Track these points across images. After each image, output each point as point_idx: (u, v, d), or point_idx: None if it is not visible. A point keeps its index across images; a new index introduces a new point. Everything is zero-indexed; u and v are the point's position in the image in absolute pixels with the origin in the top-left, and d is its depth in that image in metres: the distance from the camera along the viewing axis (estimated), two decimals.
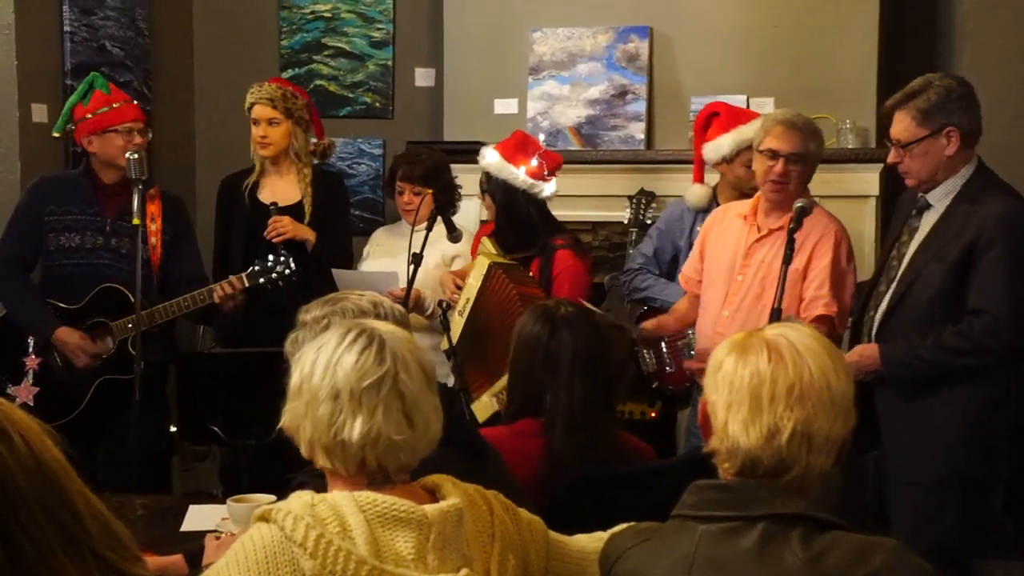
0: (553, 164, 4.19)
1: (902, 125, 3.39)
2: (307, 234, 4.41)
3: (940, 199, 3.40)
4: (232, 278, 4.10)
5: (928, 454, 3.38)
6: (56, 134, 4.24)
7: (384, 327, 1.91)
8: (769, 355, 1.80)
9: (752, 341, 1.83)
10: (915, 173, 3.41)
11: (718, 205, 4.27)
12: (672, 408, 4.56)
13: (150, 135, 4.23)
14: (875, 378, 3.41)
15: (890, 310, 3.42)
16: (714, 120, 4.33)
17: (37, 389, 3.78)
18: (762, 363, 1.79)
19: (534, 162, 4.11)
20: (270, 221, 4.35)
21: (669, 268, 4.39)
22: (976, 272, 3.29)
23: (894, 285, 3.44)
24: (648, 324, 4.14)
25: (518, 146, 4.16)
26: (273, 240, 4.32)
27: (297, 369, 1.89)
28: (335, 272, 4.22)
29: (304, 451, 1.89)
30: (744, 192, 4.19)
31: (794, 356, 1.80)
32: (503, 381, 3.90)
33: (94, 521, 1.35)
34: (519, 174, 4.09)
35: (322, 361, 1.85)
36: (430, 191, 4.21)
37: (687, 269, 4.03)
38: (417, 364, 1.87)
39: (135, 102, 4.27)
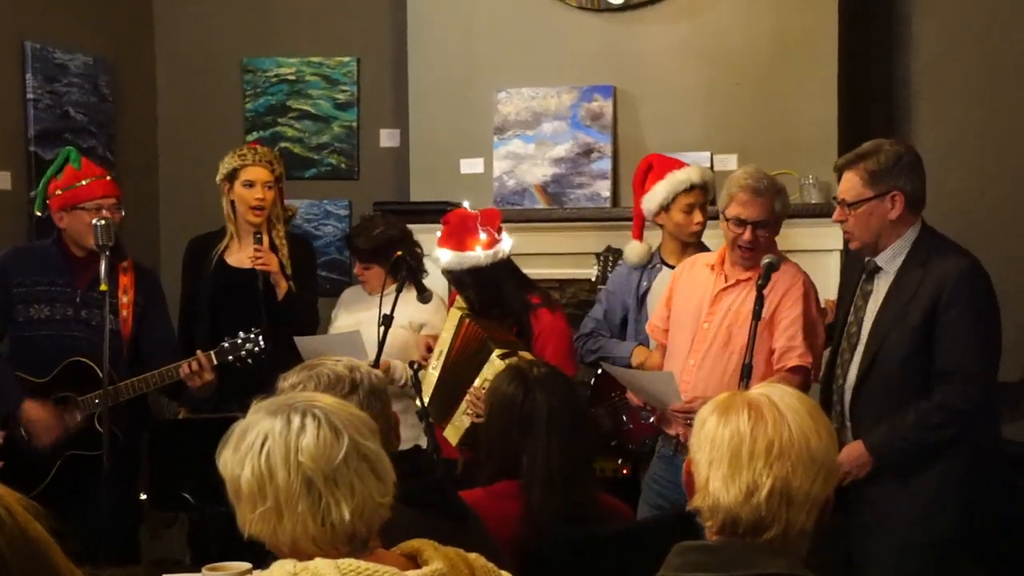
0: (496, 222, 4.13)
1: (849, 184, 3.43)
2: (282, 280, 4.41)
3: (889, 261, 3.43)
4: (200, 355, 4.03)
5: (912, 518, 3.37)
6: (38, 212, 4.18)
7: (310, 398, 1.87)
8: (750, 414, 1.82)
9: (735, 400, 1.85)
10: (858, 235, 3.44)
11: (661, 261, 4.31)
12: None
13: (123, 213, 4.10)
14: (868, 474, 3.39)
15: (861, 378, 3.43)
16: (650, 174, 4.35)
17: (1, 463, 3.68)
18: (743, 422, 1.81)
19: (483, 235, 4.05)
20: (254, 247, 4.36)
21: (620, 329, 4.39)
22: (940, 333, 3.32)
23: (859, 352, 3.46)
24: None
25: (459, 230, 4.09)
26: (256, 267, 4.33)
27: (246, 468, 1.80)
28: (297, 340, 4.17)
29: (286, 551, 1.81)
30: (684, 241, 4.24)
31: (774, 415, 1.81)
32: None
33: None
34: (479, 256, 4.04)
35: (278, 456, 1.79)
36: (376, 267, 4.26)
37: (654, 318, 4.05)
38: (359, 420, 1.85)
39: (108, 177, 4.15)
